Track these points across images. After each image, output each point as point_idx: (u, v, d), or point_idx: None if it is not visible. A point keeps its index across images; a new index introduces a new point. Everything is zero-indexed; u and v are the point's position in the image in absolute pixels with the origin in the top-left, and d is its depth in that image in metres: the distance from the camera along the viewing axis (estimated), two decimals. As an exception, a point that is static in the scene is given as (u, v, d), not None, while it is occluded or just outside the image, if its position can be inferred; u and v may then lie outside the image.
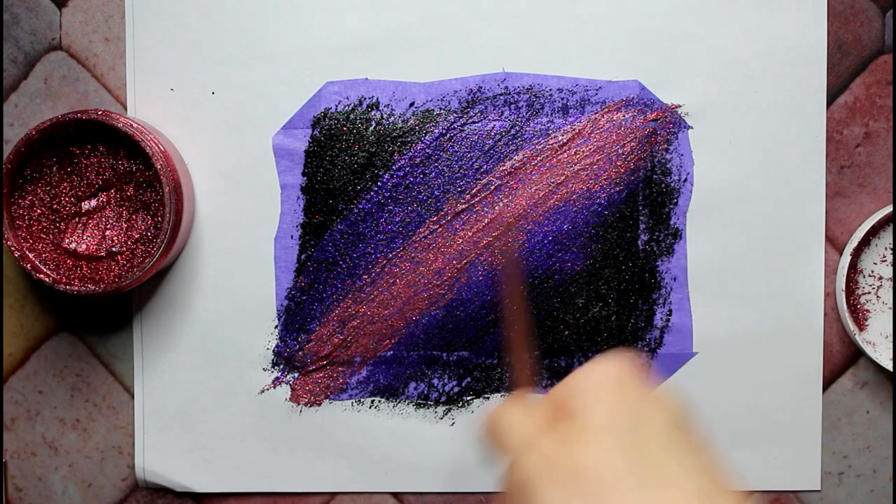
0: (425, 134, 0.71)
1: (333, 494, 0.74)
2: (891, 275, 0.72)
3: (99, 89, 0.71)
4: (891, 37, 0.72)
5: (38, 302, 0.73)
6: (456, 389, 0.72)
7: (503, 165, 0.71)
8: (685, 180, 0.71)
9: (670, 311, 0.72)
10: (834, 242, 0.72)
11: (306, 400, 0.72)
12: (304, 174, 0.71)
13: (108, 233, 0.69)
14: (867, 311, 0.72)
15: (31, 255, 0.68)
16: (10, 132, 0.71)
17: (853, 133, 0.72)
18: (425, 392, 0.72)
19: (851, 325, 0.70)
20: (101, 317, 0.73)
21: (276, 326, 0.72)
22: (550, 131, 0.71)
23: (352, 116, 0.71)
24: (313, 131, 0.71)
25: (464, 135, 0.71)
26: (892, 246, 0.71)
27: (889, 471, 0.73)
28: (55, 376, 0.73)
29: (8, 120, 0.71)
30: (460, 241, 0.71)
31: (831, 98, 0.72)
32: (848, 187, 0.72)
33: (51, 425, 0.73)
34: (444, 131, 0.71)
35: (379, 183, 0.71)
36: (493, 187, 0.71)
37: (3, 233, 0.67)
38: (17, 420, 0.73)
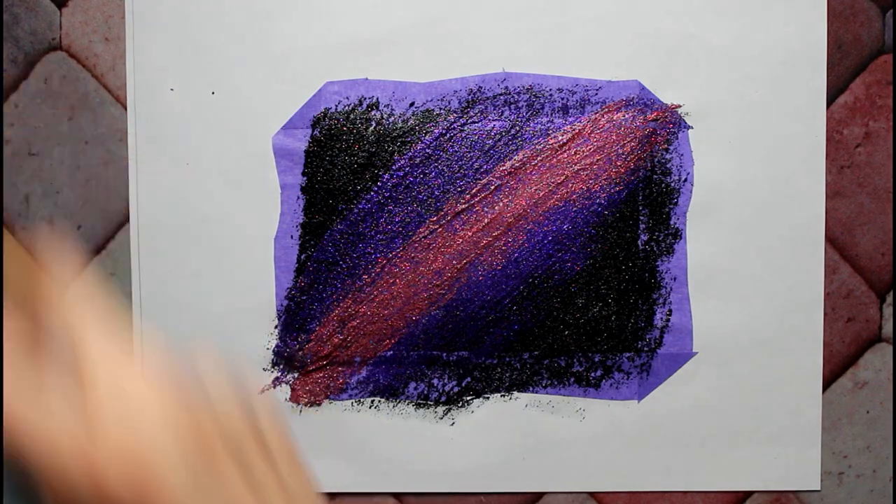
0: (425, 134, 0.71)
1: (334, 495, 0.74)
2: None
3: (99, 89, 0.71)
4: (891, 37, 0.72)
5: (37, 302, 0.73)
6: (456, 389, 0.72)
7: (503, 165, 0.71)
8: (685, 180, 0.71)
9: (670, 310, 0.72)
10: (834, 242, 0.72)
11: (306, 400, 0.72)
12: (304, 174, 0.71)
13: None
14: None
15: None
16: (11, 132, 0.71)
17: (853, 133, 0.72)
18: (425, 392, 0.72)
19: None
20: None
21: (276, 326, 0.72)
22: (550, 131, 0.71)
23: (352, 116, 0.71)
24: (313, 131, 0.71)
25: (464, 135, 0.71)
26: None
27: (889, 471, 0.73)
28: (55, 376, 0.73)
29: (8, 120, 0.71)
30: (460, 241, 0.71)
31: (831, 98, 0.72)
32: (848, 187, 0.72)
33: (51, 425, 0.73)
34: (443, 131, 0.71)
35: (379, 183, 0.71)
36: (493, 187, 0.71)
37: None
38: (17, 420, 0.73)
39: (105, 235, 0.72)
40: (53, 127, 0.71)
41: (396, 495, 0.74)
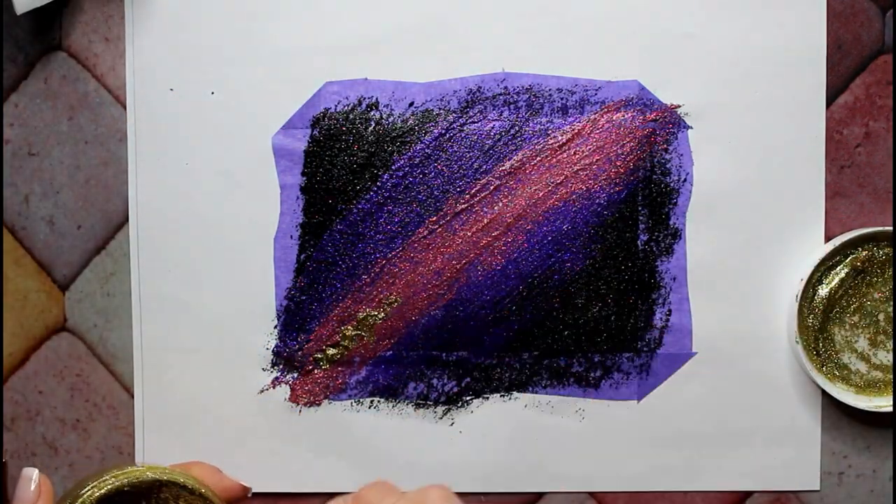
0: (425, 134, 0.71)
1: (333, 495, 0.74)
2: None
3: (99, 89, 0.71)
4: (891, 37, 0.72)
5: (38, 302, 0.73)
6: (455, 390, 0.72)
7: (502, 165, 0.71)
8: (684, 180, 0.71)
9: (670, 311, 0.72)
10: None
11: (306, 400, 0.72)
12: (303, 174, 0.71)
13: None
14: None
15: None
16: (10, 132, 0.71)
17: (853, 133, 0.72)
18: (424, 392, 0.72)
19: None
20: (101, 317, 0.73)
21: (275, 326, 0.72)
22: (550, 131, 0.71)
23: (351, 116, 0.71)
24: (313, 131, 0.71)
25: (463, 135, 0.71)
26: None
27: (889, 471, 0.73)
28: (55, 376, 0.73)
29: (8, 120, 0.71)
30: (460, 241, 0.71)
31: (831, 98, 0.72)
32: (848, 187, 0.72)
33: (51, 425, 0.73)
34: (443, 131, 0.71)
35: (378, 183, 0.71)
36: (492, 187, 0.71)
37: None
38: (17, 420, 0.73)
39: (105, 235, 0.72)
40: (53, 127, 0.72)
41: (396, 495, 0.74)
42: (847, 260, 0.71)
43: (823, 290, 0.71)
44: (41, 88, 0.71)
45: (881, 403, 0.71)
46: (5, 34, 0.71)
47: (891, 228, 0.70)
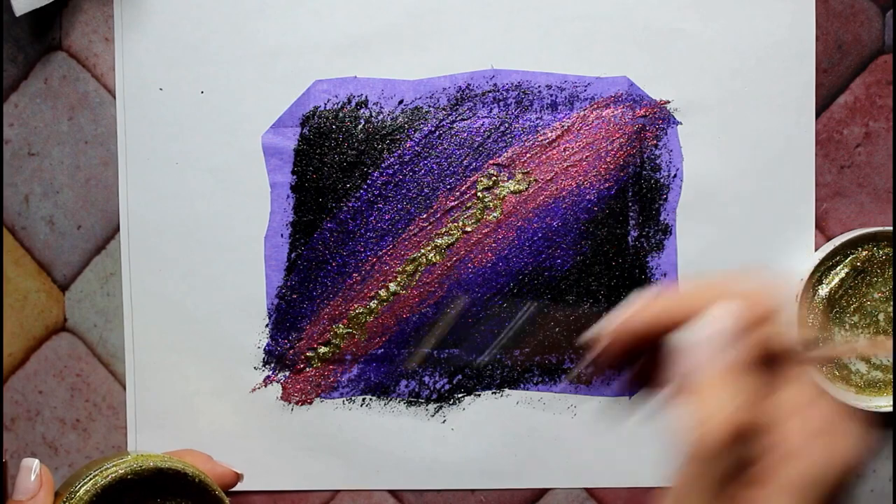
0: (414, 131, 0.71)
1: (335, 492, 0.74)
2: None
3: (99, 89, 0.72)
4: (891, 37, 0.71)
5: (38, 302, 0.73)
6: (447, 387, 0.72)
7: (492, 162, 0.71)
8: (674, 176, 0.71)
9: (660, 307, 0.71)
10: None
11: (298, 398, 0.72)
12: (293, 173, 0.71)
13: None
14: None
15: None
16: (10, 132, 0.72)
17: (853, 133, 0.71)
18: (416, 390, 0.72)
19: None
20: (101, 317, 0.73)
21: (266, 325, 0.72)
22: (539, 128, 0.71)
23: (341, 115, 0.71)
24: (303, 130, 0.71)
25: (453, 132, 0.71)
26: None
27: (889, 471, 0.72)
28: (55, 376, 0.74)
29: (8, 120, 0.72)
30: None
31: (831, 98, 0.71)
32: (848, 187, 0.72)
33: (51, 425, 0.74)
34: (433, 129, 0.71)
35: (368, 181, 0.71)
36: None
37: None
38: (17, 420, 0.74)
39: (105, 235, 0.73)
40: (53, 127, 0.72)
41: (394, 492, 0.73)
42: (847, 260, 0.71)
43: (823, 290, 0.71)
44: (41, 88, 0.72)
45: (881, 403, 0.70)
46: (5, 34, 0.72)
47: (891, 228, 0.69)
